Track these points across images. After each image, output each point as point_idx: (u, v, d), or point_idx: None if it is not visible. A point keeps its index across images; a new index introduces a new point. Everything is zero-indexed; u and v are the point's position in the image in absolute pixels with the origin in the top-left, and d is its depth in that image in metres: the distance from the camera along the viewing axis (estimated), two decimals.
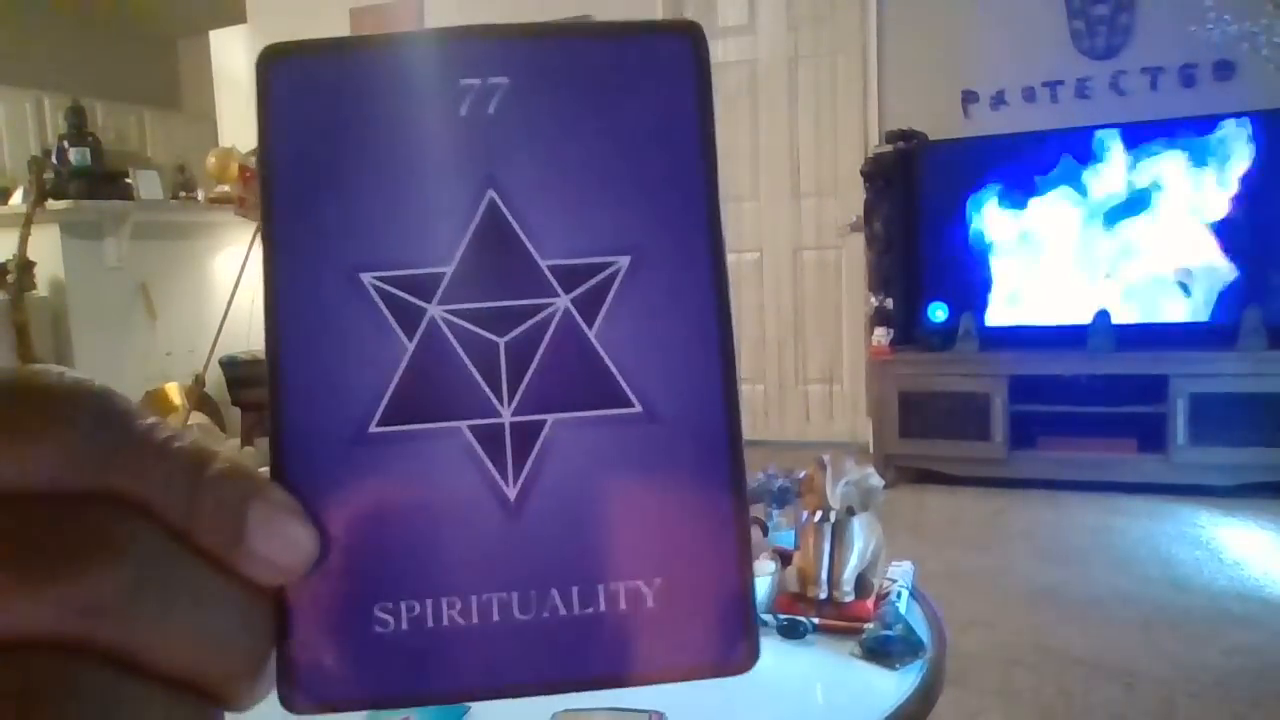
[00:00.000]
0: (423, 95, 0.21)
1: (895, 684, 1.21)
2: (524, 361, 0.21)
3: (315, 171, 0.21)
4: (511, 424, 0.21)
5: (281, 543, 0.18)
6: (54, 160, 4.38)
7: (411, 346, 0.21)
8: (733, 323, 0.22)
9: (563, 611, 0.21)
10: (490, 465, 0.21)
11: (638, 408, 0.21)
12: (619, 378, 0.21)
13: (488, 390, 0.21)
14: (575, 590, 0.21)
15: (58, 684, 0.15)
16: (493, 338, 0.21)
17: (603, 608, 0.21)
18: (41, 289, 4.23)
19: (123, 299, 4.53)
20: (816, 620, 1.35)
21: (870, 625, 1.30)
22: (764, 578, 1.41)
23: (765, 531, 1.64)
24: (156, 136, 7.16)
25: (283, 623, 0.20)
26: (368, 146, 0.21)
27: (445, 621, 0.20)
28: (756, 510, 1.71)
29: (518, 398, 0.21)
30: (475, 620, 0.20)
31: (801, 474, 1.49)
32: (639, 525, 0.21)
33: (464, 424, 0.21)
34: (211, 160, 5.00)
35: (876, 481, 1.39)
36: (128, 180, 4.62)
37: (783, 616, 1.36)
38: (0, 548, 0.16)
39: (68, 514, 0.16)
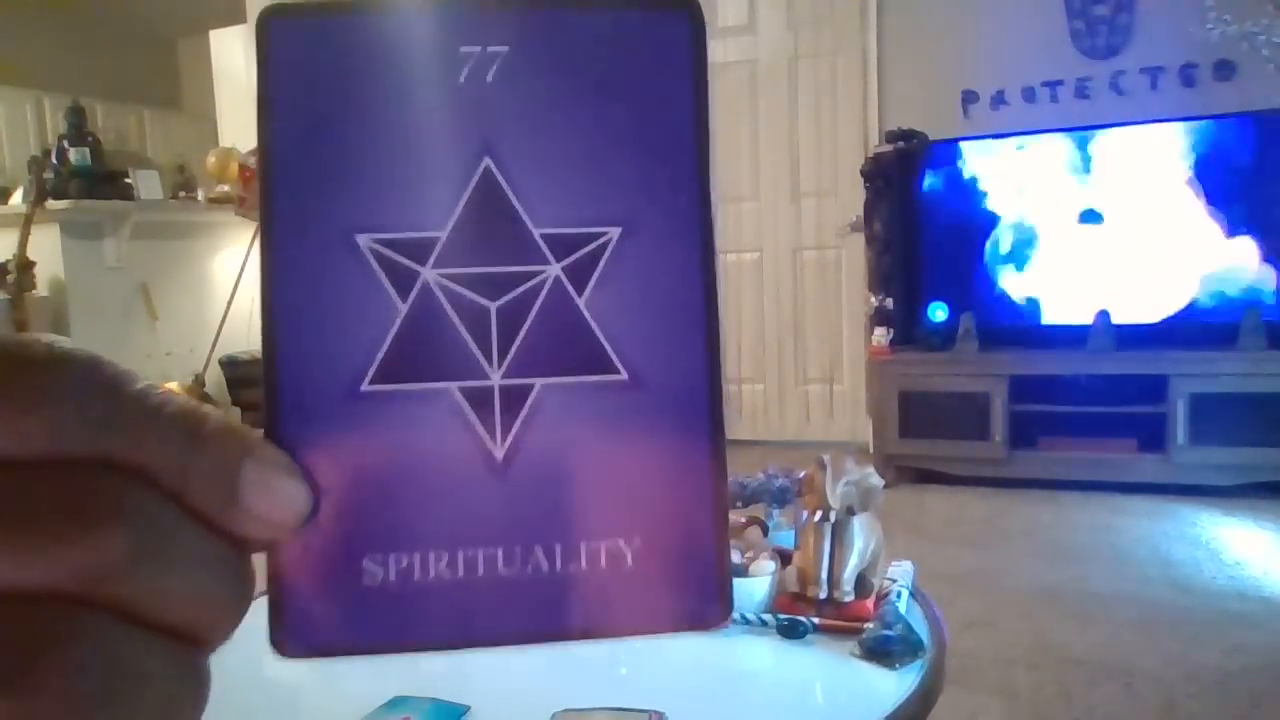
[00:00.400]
0: (423, 61, 0.21)
1: (895, 684, 1.21)
2: (514, 326, 0.21)
3: (313, 132, 0.21)
4: (500, 386, 0.21)
5: (275, 500, 0.19)
6: (54, 160, 4.38)
7: (405, 308, 0.21)
8: (719, 296, 0.22)
9: (545, 568, 0.21)
10: (479, 425, 0.21)
11: (623, 375, 0.22)
12: (606, 345, 0.22)
13: (478, 353, 0.21)
14: (558, 548, 0.21)
15: (65, 632, 0.16)
16: (484, 302, 0.21)
17: (584, 565, 0.21)
18: (41, 289, 4.23)
19: (123, 299, 4.53)
20: (816, 620, 1.34)
21: (870, 625, 1.30)
22: (764, 578, 1.41)
23: (765, 531, 1.64)
24: (156, 136, 7.16)
25: (274, 572, 0.20)
26: (367, 109, 0.21)
27: (432, 574, 0.21)
28: (756, 510, 1.71)
29: (507, 361, 0.21)
30: (461, 573, 0.21)
31: (801, 474, 1.49)
32: (621, 488, 0.21)
33: (454, 385, 0.21)
34: (211, 160, 5.00)
35: (876, 481, 1.39)
36: (128, 180, 4.62)
37: (783, 616, 1.35)
38: (6, 511, 0.16)
39: (69, 481, 0.17)
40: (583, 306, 0.22)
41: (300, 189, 0.21)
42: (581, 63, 0.22)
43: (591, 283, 0.22)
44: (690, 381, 0.22)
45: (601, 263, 0.22)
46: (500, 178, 0.21)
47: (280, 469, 0.19)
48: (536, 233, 0.22)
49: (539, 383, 0.21)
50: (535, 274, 0.22)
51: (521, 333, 0.21)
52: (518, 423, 0.21)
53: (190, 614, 0.18)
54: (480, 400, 0.21)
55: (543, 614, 0.21)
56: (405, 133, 0.21)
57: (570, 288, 0.22)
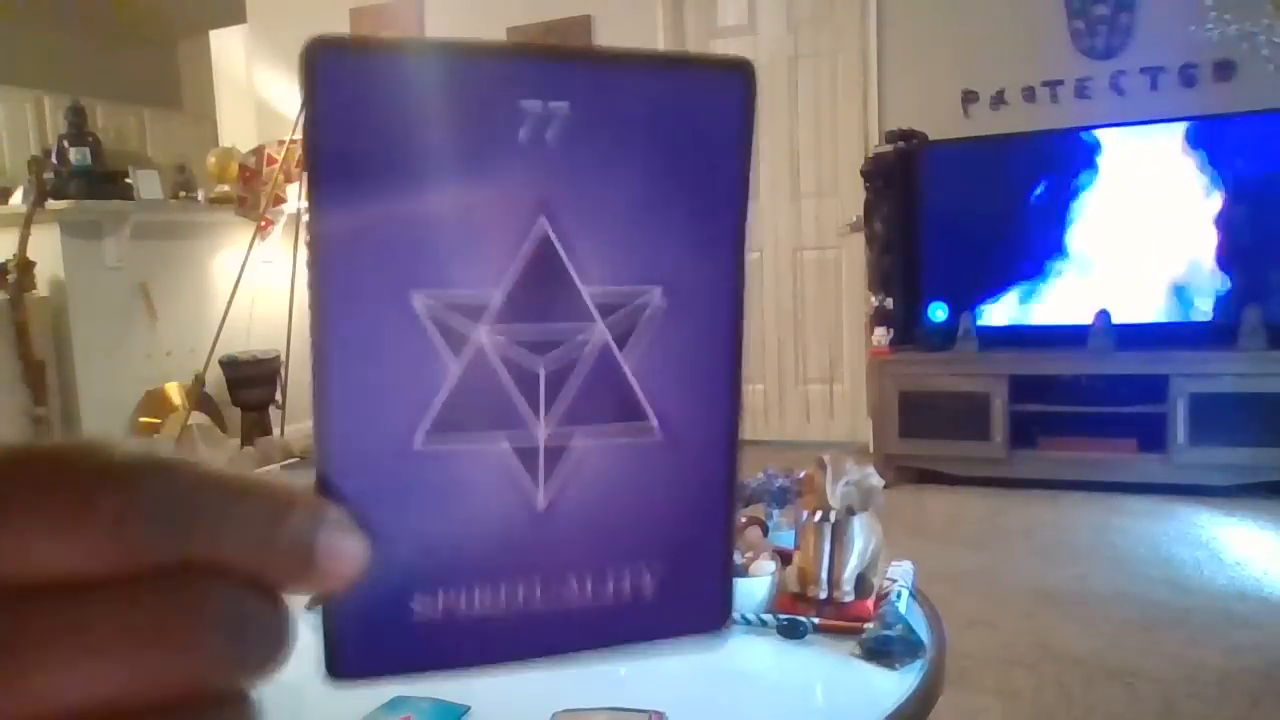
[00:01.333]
0: (482, 113, 0.21)
1: (895, 684, 1.21)
2: (560, 383, 0.22)
3: (366, 180, 0.20)
4: (545, 440, 0.22)
5: (342, 562, 0.20)
6: (54, 160, 4.38)
7: (457, 368, 0.21)
8: (745, 352, 0.24)
9: (577, 595, 0.23)
10: (524, 475, 0.22)
11: (654, 425, 0.23)
12: (641, 398, 0.23)
13: (526, 409, 0.22)
14: (590, 579, 0.23)
15: None
16: (533, 360, 0.22)
17: (610, 593, 0.23)
18: (41, 289, 4.23)
19: (123, 299, 4.53)
20: (816, 620, 1.34)
21: (870, 625, 1.30)
22: (764, 578, 1.41)
23: (765, 531, 1.64)
24: (156, 136, 7.16)
25: (329, 608, 0.21)
26: (423, 159, 0.20)
27: (476, 607, 0.22)
28: (756, 510, 1.71)
29: (553, 416, 0.22)
30: (502, 604, 0.23)
31: (801, 474, 1.49)
32: (647, 527, 0.23)
33: (503, 440, 0.22)
34: (211, 160, 5.01)
35: (876, 481, 1.39)
36: (128, 180, 4.61)
37: (783, 616, 1.35)
38: (111, 629, 0.17)
39: (161, 592, 0.18)
40: (622, 362, 0.23)
41: (353, 241, 0.20)
42: (639, 123, 0.22)
43: (631, 340, 0.23)
44: (714, 434, 0.24)
45: (642, 321, 0.23)
46: (555, 240, 0.22)
47: (343, 531, 0.20)
48: (585, 292, 0.22)
49: (579, 433, 0.23)
50: (582, 332, 0.22)
51: (566, 388, 0.22)
52: (558, 472, 0.22)
53: (259, 679, 0.19)
54: (525, 452, 0.22)
55: (573, 634, 0.23)
56: (462, 188, 0.21)
57: (614, 345, 0.23)
